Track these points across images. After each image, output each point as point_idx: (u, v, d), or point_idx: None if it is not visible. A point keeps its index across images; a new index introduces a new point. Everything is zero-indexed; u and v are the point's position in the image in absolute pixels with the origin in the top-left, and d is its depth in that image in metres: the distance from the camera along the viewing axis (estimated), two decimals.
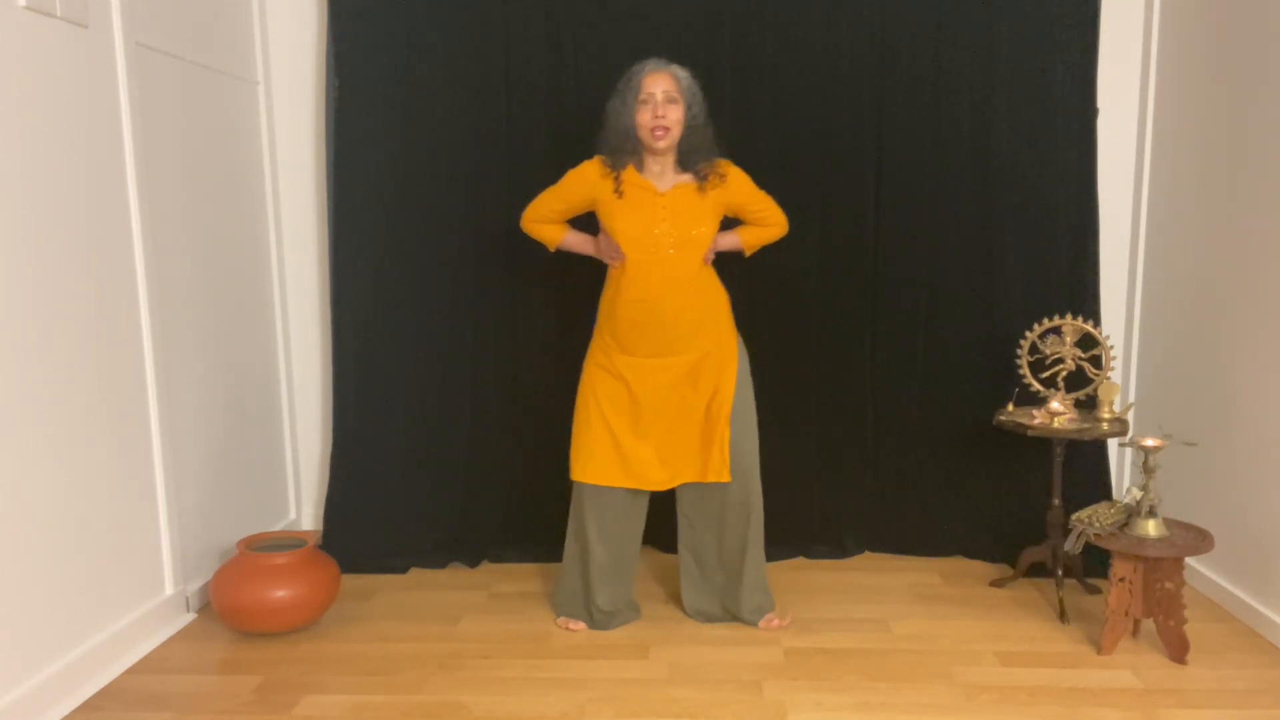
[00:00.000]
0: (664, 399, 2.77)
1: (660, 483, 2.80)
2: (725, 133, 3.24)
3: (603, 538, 2.82)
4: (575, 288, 3.13)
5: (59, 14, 2.40)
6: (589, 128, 3.23)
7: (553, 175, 3.27)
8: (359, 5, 3.27)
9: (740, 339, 2.86)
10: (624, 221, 2.69)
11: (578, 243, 2.85)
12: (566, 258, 2.92)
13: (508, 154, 3.31)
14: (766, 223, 2.86)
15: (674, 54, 3.20)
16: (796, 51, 3.26)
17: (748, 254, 2.92)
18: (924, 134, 3.29)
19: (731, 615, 2.89)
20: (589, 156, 2.78)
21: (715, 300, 2.80)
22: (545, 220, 2.86)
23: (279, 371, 3.62)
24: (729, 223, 2.86)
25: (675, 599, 3.05)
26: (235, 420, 3.29)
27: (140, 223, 2.71)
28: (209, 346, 3.13)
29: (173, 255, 2.91)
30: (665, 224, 2.67)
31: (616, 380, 2.78)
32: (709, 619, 2.91)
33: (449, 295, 3.37)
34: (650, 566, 3.35)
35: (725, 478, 2.76)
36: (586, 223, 2.83)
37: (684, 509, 2.89)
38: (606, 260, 2.78)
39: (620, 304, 2.73)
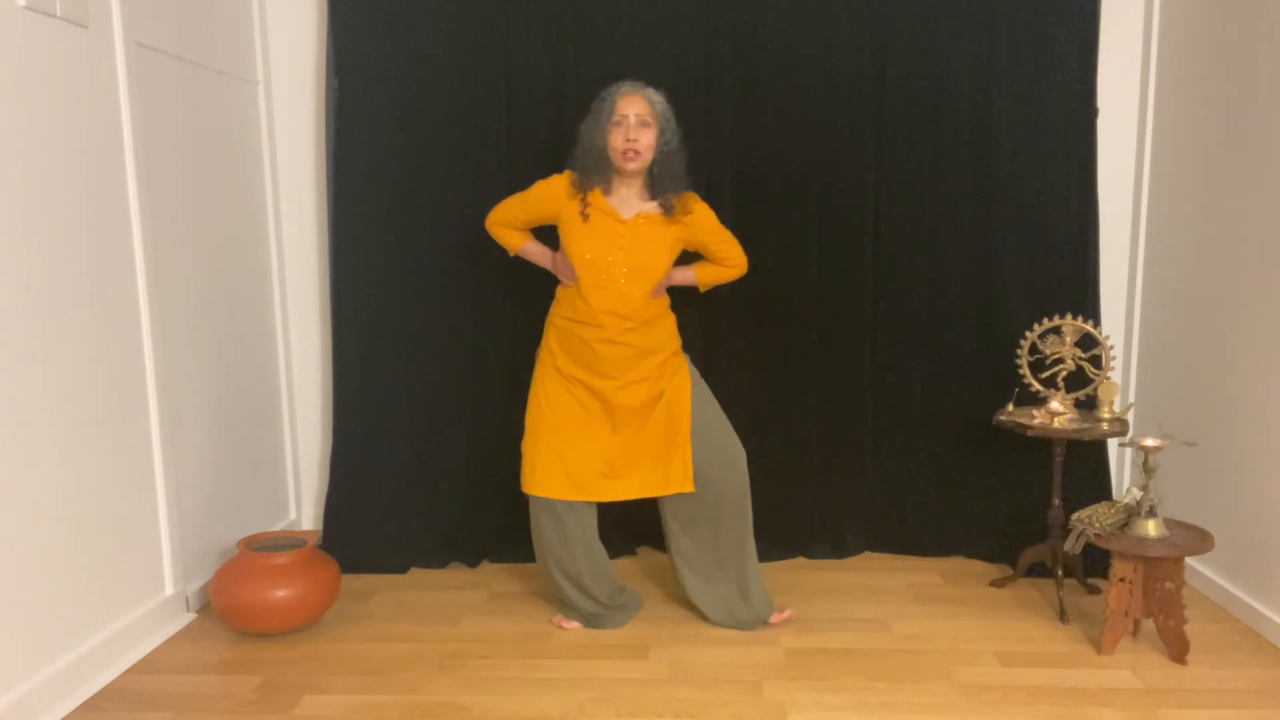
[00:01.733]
0: (613, 413, 2.76)
1: (612, 494, 2.77)
2: (726, 135, 3.27)
3: (567, 546, 2.79)
4: None
5: (59, 14, 2.40)
6: None
7: (551, 174, 3.28)
8: (359, 5, 3.27)
9: (688, 357, 2.87)
10: (581, 245, 2.69)
11: (537, 254, 2.88)
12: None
13: (508, 154, 3.31)
14: (726, 263, 2.86)
15: (674, 52, 3.23)
16: (797, 52, 3.26)
17: (702, 290, 2.92)
18: (924, 134, 3.29)
19: (741, 622, 2.84)
20: None
21: (662, 328, 2.80)
22: (508, 225, 2.88)
23: (279, 371, 3.62)
24: (689, 257, 2.87)
25: (675, 599, 3.05)
26: (235, 420, 3.29)
27: (140, 223, 2.71)
28: (209, 346, 3.13)
29: (173, 255, 2.92)
30: (621, 252, 2.68)
31: (566, 392, 2.77)
32: (722, 625, 2.88)
33: (449, 294, 3.37)
34: (649, 566, 3.35)
35: (688, 488, 2.75)
36: (550, 235, 2.84)
37: (671, 513, 2.85)
38: (561, 278, 2.79)
39: (570, 324, 2.74)
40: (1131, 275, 3.48)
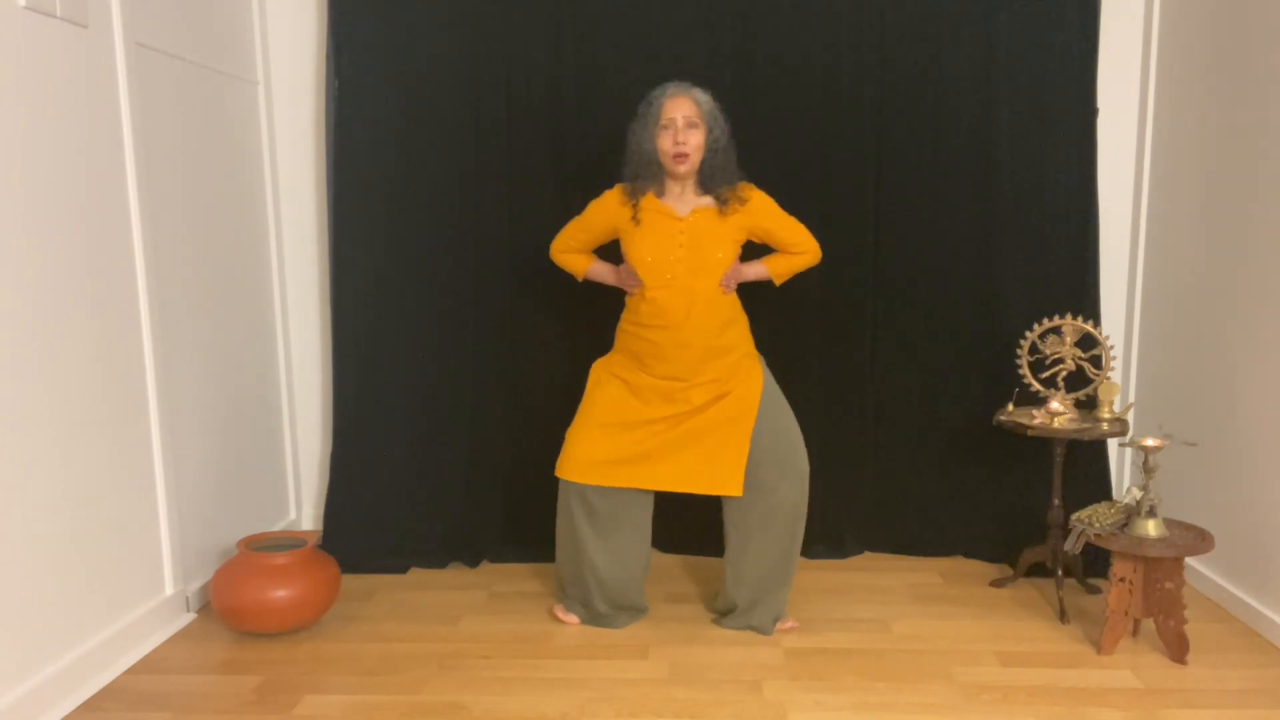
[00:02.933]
0: (678, 415, 2.73)
1: (651, 481, 2.73)
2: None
3: (598, 532, 2.79)
4: (576, 288, 3.13)
5: (59, 14, 2.40)
6: (589, 129, 3.25)
7: (552, 176, 3.30)
8: (359, 5, 3.27)
9: (762, 359, 2.85)
10: (640, 248, 2.69)
11: (601, 272, 2.88)
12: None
13: (508, 154, 3.31)
14: (796, 249, 2.82)
15: (675, 53, 3.23)
16: (798, 52, 3.26)
17: (777, 283, 2.88)
18: (924, 134, 3.29)
19: (747, 625, 2.84)
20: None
21: (736, 326, 2.77)
22: (572, 250, 2.90)
23: (279, 371, 3.62)
24: (759, 251, 2.84)
25: (675, 599, 3.05)
26: (235, 420, 3.29)
27: (140, 223, 2.71)
28: (209, 346, 3.13)
29: (173, 255, 2.91)
30: (682, 249, 2.67)
31: (630, 391, 2.77)
32: (728, 628, 2.87)
33: (449, 294, 3.37)
34: (650, 566, 3.35)
35: (735, 491, 2.71)
36: (612, 253, 2.84)
37: (729, 516, 2.81)
38: (626, 289, 2.79)
39: (639, 329, 2.73)
40: (1131, 275, 3.48)
